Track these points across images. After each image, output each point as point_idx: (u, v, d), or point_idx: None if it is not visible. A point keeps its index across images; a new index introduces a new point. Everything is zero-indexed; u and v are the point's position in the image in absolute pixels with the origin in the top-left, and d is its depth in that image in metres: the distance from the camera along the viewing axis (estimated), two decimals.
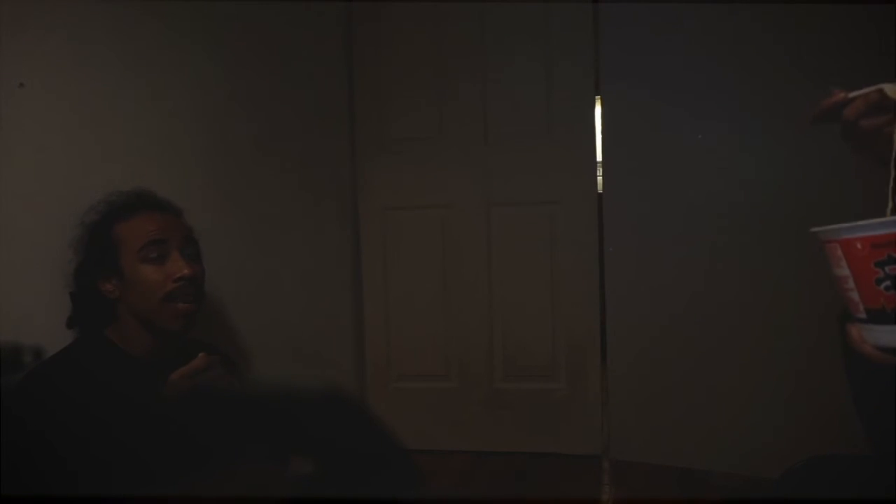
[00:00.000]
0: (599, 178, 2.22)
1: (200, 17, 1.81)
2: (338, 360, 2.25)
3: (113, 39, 1.59)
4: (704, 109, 1.95)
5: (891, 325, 0.59)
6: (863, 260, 0.60)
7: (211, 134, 1.82)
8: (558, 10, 2.17)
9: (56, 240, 1.30)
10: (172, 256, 1.24)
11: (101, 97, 1.55)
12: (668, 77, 2.00)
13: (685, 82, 1.98)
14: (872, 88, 0.73)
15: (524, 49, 2.20)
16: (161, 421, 1.08)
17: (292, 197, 2.07)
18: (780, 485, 0.89)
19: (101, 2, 1.57)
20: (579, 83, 2.18)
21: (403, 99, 2.28)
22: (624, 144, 2.10)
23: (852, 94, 0.74)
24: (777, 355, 1.89)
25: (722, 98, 1.92)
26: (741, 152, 1.93)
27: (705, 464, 2.00)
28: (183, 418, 1.09)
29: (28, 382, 1.17)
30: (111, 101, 1.57)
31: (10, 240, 1.36)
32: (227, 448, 1.12)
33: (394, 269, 2.32)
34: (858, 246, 0.60)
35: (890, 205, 0.66)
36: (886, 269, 0.58)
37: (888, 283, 0.58)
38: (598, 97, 2.20)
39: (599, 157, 2.21)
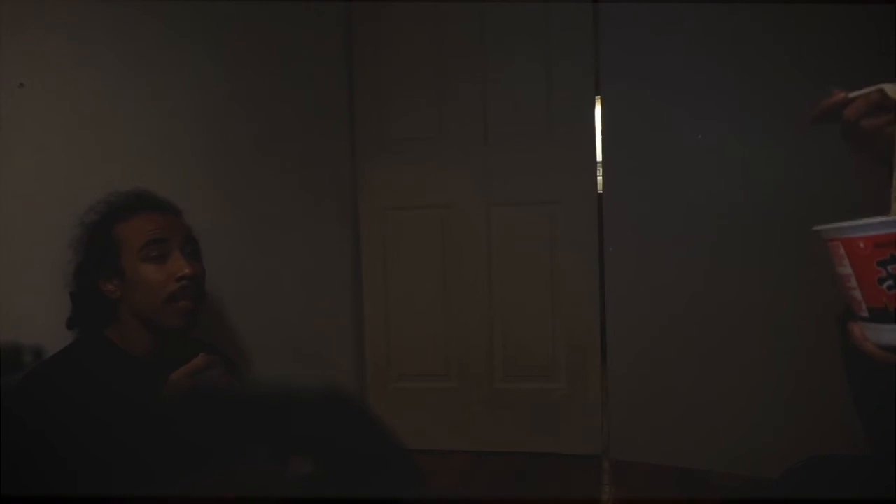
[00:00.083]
0: (599, 178, 2.22)
1: (200, 17, 1.81)
2: (338, 360, 2.25)
3: (113, 39, 1.59)
4: (704, 109, 1.95)
5: (893, 324, 0.60)
6: (865, 259, 0.60)
7: (211, 134, 1.82)
8: (558, 10, 2.16)
9: (56, 240, 1.31)
10: (174, 256, 1.25)
11: (101, 97, 1.55)
12: (668, 77, 2.00)
13: (685, 82, 1.98)
14: (873, 88, 0.73)
15: (524, 49, 2.20)
16: (161, 421, 1.08)
17: (292, 197, 2.07)
18: (780, 485, 0.89)
19: (101, 2, 1.57)
20: (579, 83, 2.18)
21: (403, 99, 2.28)
22: (624, 144, 2.10)
23: (852, 95, 0.74)
24: (777, 355, 1.89)
25: (722, 98, 1.92)
26: (741, 152, 1.93)
27: (705, 464, 2.00)
28: (183, 418, 1.09)
29: (28, 382, 1.17)
30: (111, 101, 1.57)
31: (10, 240, 1.36)
32: (227, 448, 1.12)
33: (394, 269, 2.32)
34: (861, 245, 0.60)
35: (894, 206, 0.66)
36: (889, 268, 0.58)
37: (891, 282, 0.58)
38: (598, 97, 2.20)
39: (599, 157, 2.21)
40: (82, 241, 1.29)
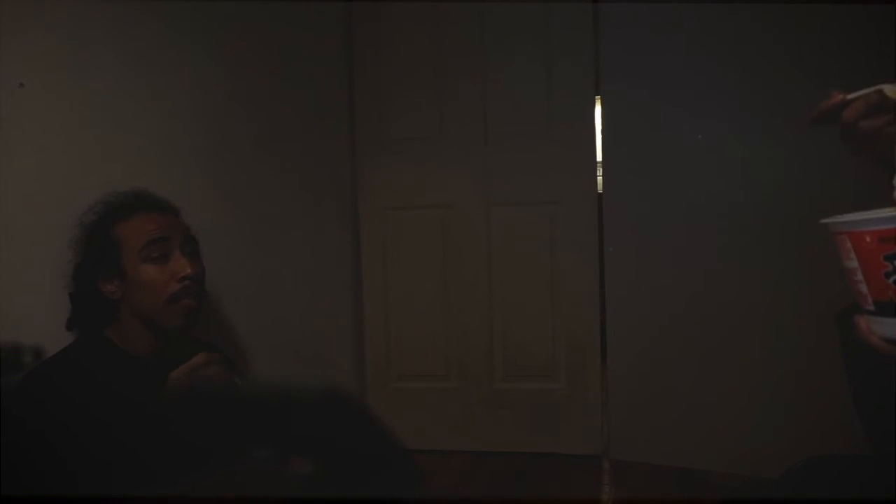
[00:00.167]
0: (599, 178, 2.22)
1: (200, 17, 1.81)
2: (338, 360, 2.25)
3: (113, 39, 1.59)
4: (704, 109, 1.95)
5: None
6: (871, 253, 0.60)
7: (211, 134, 1.82)
8: (558, 10, 2.16)
9: (56, 240, 1.30)
10: (174, 256, 1.25)
11: (101, 97, 1.55)
12: (668, 77, 2.00)
13: (685, 82, 1.98)
14: (872, 89, 0.73)
15: (524, 49, 2.20)
16: (161, 421, 1.08)
17: (292, 197, 2.07)
18: (780, 485, 0.89)
19: (101, 2, 1.57)
20: (579, 83, 2.18)
21: (403, 99, 2.28)
22: (624, 144, 2.10)
23: (851, 96, 0.74)
24: (777, 355, 1.89)
25: (722, 98, 1.92)
26: (741, 152, 1.93)
27: (705, 464, 2.00)
28: (183, 418, 1.09)
29: (28, 382, 1.17)
30: (111, 101, 1.57)
31: (10, 240, 1.36)
32: (227, 448, 1.12)
33: (394, 269, 2.32)
34: (867, 239, 0.60)
35: None
36: (895, 262, 0.59)
37: None
38: (598, 97, 2.20)
39: (599, 157, 2.21)
40: (81, 241, 1.28)
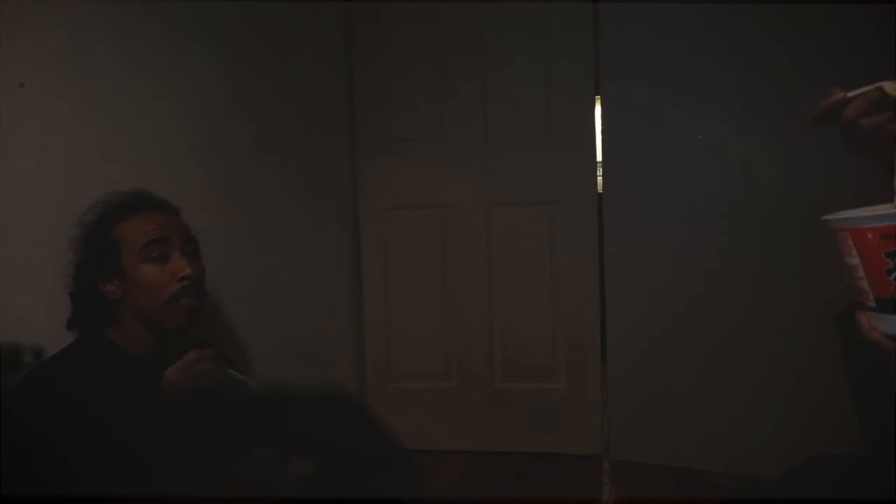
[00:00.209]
0: (599, 178, 2.22)
1: (200, 17, 1.81)
2: (338, 360, 2.25)
3: (113, 39, 1.59)
4: (704, 109, 1.94)
5: None
6: (873, 250, 0.60)
7: (211, 134, 1.82)
8: (558, 10, 2.16)
9: (56, 240, 1.30)
10: (174, 256, 1.25)
11: (101, 97, 1.55)
12: (668, 77, 2.00)
13: (685, 82, 1.98)
14: (872, 87, 0.73)
15: (524, 49, 2.20)
16: (161, 421, 1.08)
17: (292, 197, 2.08)
18: (780, 485, 0.89)
19: (101, 2, 1.57)
20: (579, 83, 2.18)
21: (403, 99, 2.28)
22: (624, 144, 2.10)
23: (851, 94, 0.74)
24: (777, 355, 1.89)
25: (722, 98, 1.92)
26: (741, 152, 1.92)
27: (705, 464, 2.00)
28: (183, 418, 1.09)
29: (28, 382, 1.17)
30: (111, 101, 1.57)
31: (10, 240, 1.37)
32: (227, 448, 1.12)
33: (394, 269, 2.32)
34: (869, 236, 0.60)
35: None
36: None
37: None
38: (598, 97, 2.20)
39: (599, 157, 2.21)
40: (81, 241, 1.28)
